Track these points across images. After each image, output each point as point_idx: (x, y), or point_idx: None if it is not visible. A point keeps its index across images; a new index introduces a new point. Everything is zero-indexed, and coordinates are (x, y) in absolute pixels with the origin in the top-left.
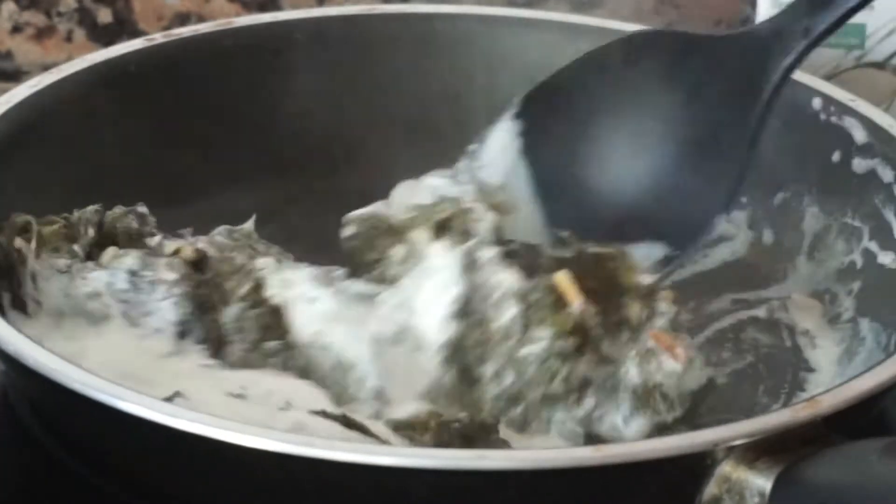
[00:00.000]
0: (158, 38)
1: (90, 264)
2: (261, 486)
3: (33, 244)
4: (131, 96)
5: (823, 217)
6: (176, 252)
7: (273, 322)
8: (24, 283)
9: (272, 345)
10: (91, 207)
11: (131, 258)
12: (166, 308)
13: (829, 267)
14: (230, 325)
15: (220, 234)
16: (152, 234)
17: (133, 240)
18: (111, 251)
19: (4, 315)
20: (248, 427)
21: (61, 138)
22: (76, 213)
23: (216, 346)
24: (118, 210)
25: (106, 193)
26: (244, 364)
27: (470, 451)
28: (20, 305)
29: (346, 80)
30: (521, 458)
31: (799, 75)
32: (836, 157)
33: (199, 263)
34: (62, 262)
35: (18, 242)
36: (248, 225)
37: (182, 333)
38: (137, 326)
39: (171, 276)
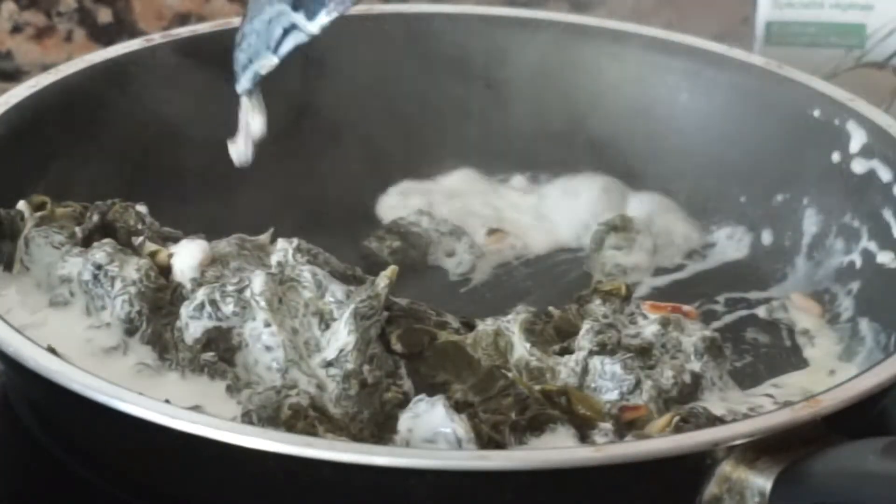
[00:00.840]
0: (158, 38)
1: (76, 250)
2: (261, 486)
3: (36, 214)
4: (131, 96)
5: (823, 217)
6: (152, 255)
7: (219, 335)
8: (18, 245)
9: (208, 356)
10: (109, 201)
11: (102, 252)
12: (118, 304)
13: (829, 267)
14: (179, 332)
15: (229, 242)
16: (140, 233)
17: (130, 236)
18: (97, 243)
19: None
20: (248, 428)
21: (60, 138)
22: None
23: (162, 348)
24: (120, 205)
25: (105, 193)
26: (184, 369)
27: (470, 452)
28: (9, 264)
29: (346, 79)
30: (521, 458)
31: (798, 75)
32: (835, 157)
33: (172, 268)
34: (58, 238)
35: (22, 205)
36: (264, 237)
37: (129, 331)
38: (91, 317)
39: (134, 275)
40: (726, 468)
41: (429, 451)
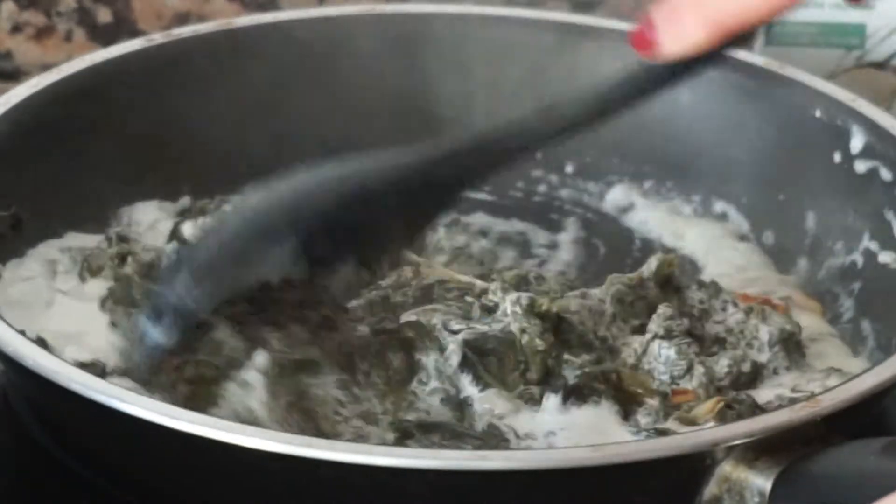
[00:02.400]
0: (158, 38)
1: None
2: (261, 486)
3: None
4: (131, 96)
5: (824, 217)
6: None
7: None
8: None
9: None
10: None
11: None
12: None
13: (830, 267)
14: None
15: None
16: None
17: None
18: None
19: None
20: (248, 428)
21: (61, 138)
22: None
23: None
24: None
25: (105, 193)
26: None
27: (470, 452)
28: None
29: (346, 79)
30: (521, 458)
31: (800, 75)
32: (836, 157)
33: None
34: None
35: None
36: None
37: None
38: None
39: None
40: (726, 468)
41: (429, 451)
